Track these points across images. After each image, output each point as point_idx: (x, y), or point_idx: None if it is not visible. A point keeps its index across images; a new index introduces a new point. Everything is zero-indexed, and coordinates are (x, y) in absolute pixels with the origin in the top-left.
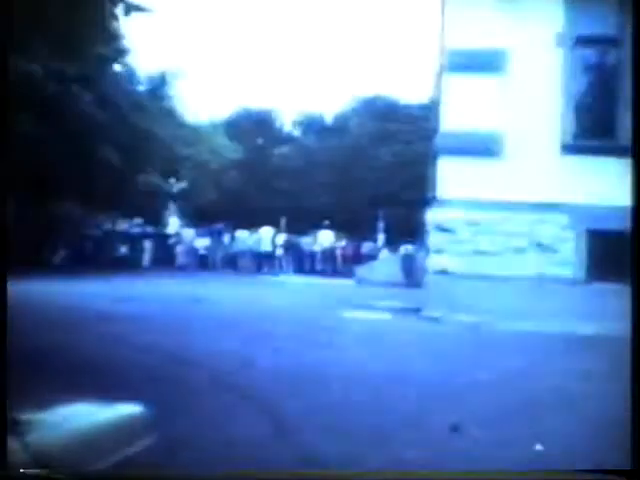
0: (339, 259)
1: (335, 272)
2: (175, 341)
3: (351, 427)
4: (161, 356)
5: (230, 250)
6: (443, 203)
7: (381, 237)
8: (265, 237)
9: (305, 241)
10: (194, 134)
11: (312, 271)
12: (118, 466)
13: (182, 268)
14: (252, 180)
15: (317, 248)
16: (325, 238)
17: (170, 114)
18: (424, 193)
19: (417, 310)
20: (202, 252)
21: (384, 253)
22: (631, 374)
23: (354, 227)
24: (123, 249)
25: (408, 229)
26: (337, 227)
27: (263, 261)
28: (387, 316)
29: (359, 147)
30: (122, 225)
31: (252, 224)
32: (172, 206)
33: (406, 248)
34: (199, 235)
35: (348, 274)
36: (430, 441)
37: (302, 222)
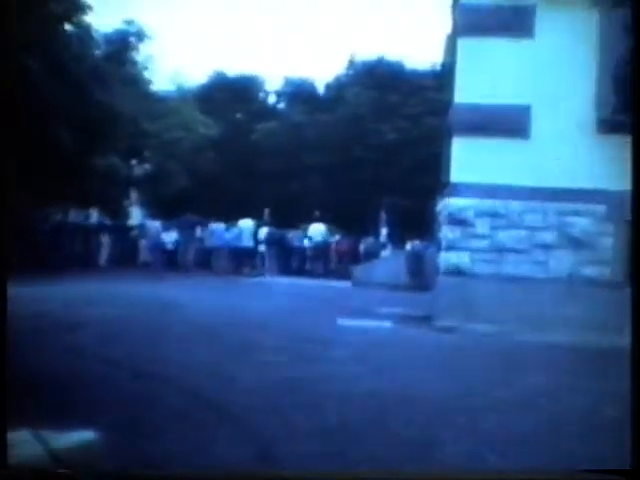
0: (333, 257)
1: (328, 272)
2: (138, 354)
3: (347, 456)
4: (125, 371)
5: (204, 246)
6: (457, 190)
7: (383, 231)
8: (245, 230)
9: (293, 235)
10: (161, 107)
11: (301, 271)
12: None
13: (146, 267)
14: (230, 162)
15: (307, 244)
16: (316, 232)
17: (132, 83)
18: (434, 178)
19: (425, 318)
20: (170, 248)
21: (387, 250)
22: (631, 374)
23: (351, 219)
24: (76, 245)
25: (415, 221)
26: (330, 219)
27: (243, 259)
28: (390, 325)
29: (357, 123)
30: (74, 217)
31: (230, 215)
32: (134, 193)
33: (413, 244)
34: (166, 228)
35: (343, 275)
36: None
37: (289, 213)
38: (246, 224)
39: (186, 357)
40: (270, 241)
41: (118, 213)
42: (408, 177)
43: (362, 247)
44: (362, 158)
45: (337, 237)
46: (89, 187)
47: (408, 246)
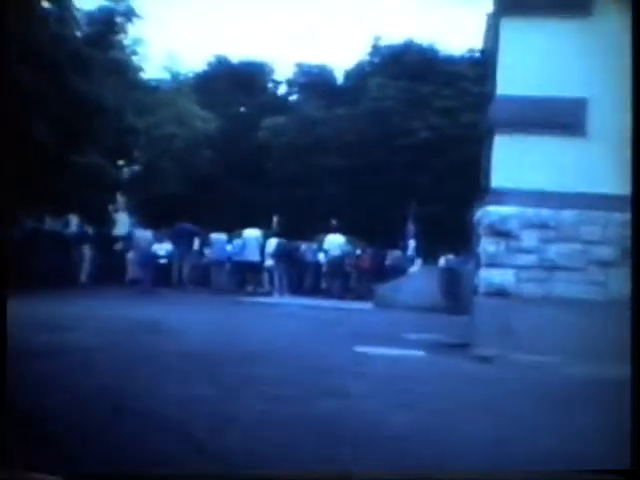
0: (353, 273)
1: (347, 291)
2: (126, 386)
3: None
4: (107, 406)
5: (202, 260)
6: (499, 197)
7: (411, 243)
8: (250, 242)
9: (305, 248)
10: (152, 98)
11: (315, 290)
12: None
13: (134, 284)
14: (232, 163)
15: (322, 258)
16: (333, 244)
17: (119, 70)
18: (472, 183)
19: (461, 346)
20: (162, 262)
21: (415, 266)
22: (631, 374)
23: (374, 229)
24: (52, 258)
25: (449, 233)
26: (350, 229)
27: (247, 275)
28: (419, 354)
29: (382, 119)
30: (50, 224)
31: (232, 224)
32: (121, 198)
33: (447, 259)
34: (158, 239)
35: (365, 294)
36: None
37: (301, 222)
38: (251, 235)
39: (177, 391)
40: (279, 255)
41: (102, 220)
42: (441, 181)
43: (387, 262)
44: (387, 160)
45: (358, 250)
46: (68, 190)
47: (441, 261)
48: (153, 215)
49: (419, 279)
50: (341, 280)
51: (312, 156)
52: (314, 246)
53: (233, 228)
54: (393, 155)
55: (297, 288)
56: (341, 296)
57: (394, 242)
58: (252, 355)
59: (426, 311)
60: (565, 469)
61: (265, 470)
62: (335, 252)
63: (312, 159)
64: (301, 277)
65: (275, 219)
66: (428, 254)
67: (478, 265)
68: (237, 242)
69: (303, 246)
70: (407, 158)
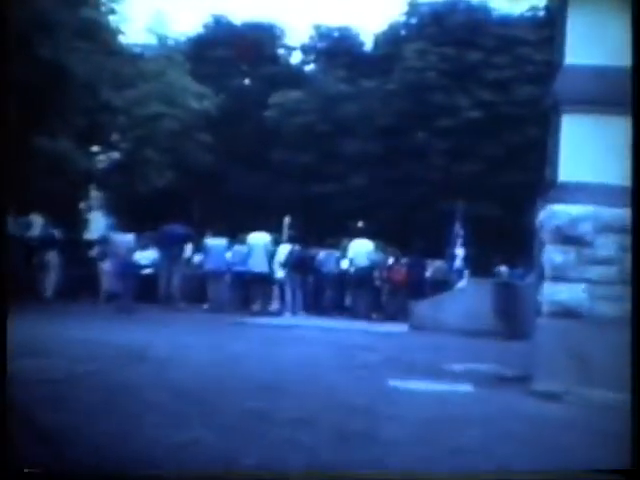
0: (384, 288)
1: (377, 310)
2: (103, 428)
3: None
4: (79, 455)
5: (195, 270)
6: (568, 193)
7: (459, 251)
8: (256, 249)
9: (325, 257)
10: (134, 69)
11: (337, 308)
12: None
13: (112, 300)
14: (234, 150)
15: (346, 269)
16: (360, 252)
17: (92, 33)
18: (534, 175)
19: (520, 379)
20: (147, 273)
21: (463, 279)
22: (631, 375)
23: (410, 233)
24: (10, 267)
25: (506, 238)
26: (381, 232)
27: (253, 290)
28: (467, 389)
29: (420, 94)
30: (10, 226)
31: (234, 226)
32: (95, 193)
33: (502, 271)
34: (142, 244)
35: (399, 314)
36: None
37: (320, 224)
38: (258, 240)
39: (165, 434)
40: (292, 265)
41: (72, 221)
42: (494, 173)
43: (427, 274)
44: (427, 146)
45: (390, 259)
46: (30, 183)
47: (496, 274)
48: (135, 215)
49: (468, 296)
50: (369, 296)
51: (333, 141)
52: (336, 254)
53: (235, 231)
54: (434, 140)
55: (314, 306)
56: (369, 316)
57: (436, 249)
58: (258, 391)
59: (476, 335)
60: (565, 469)
61: (265, 470)
62: (362, 262)
63: (333, 145)
64: (319, 293)
65: (287, 220)
66: (479, 265)
67: (541, 279)
68: (240, 249)
69: (322, 254)
70: (451, 143)
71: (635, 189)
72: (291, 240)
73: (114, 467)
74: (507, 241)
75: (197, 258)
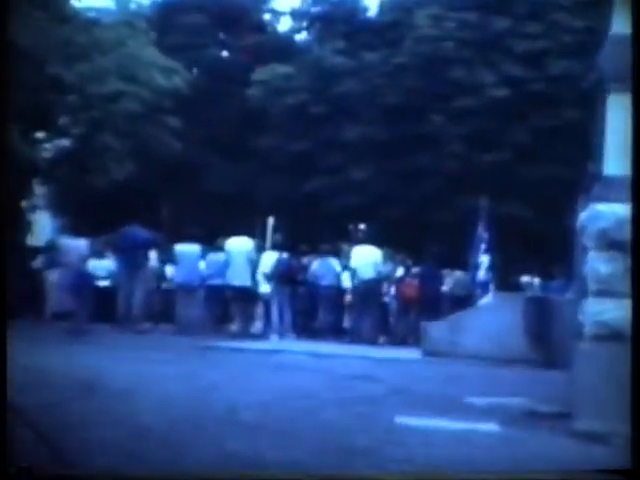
0: (392, 305)
1: (383, 332)
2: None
3: None
4: None
5: (162, 283)
6: (615, 191)
7: (483, 260)
8: (236, 257)
9: (320, 267)
10: (89, 38)
11: (334, 330)
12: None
13: (61, 319)
14: (208, 137)
15: (346, 282)
16: (364, 260)
17: None
18: (574, 168)
19: (558, 417)
20: (104, 286)
21: (488, 293)
22: (631, 375)
23: (424, 238)
24: None
25: (540, 244)
26: (388, 238)
27: (232, 307)
28: (492, 428)
29: (434, 68)
30: None
31: (209, 229)
32: (40, 190)
33: (535, 284)
34: (98, 251)
35: (410, 337)
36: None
37: (313, 226)
38: (238, 246)
39: None
40: (280, 276)
41: (12, 224)
42: (526, 165)
43: (444, 288)
44: (444, 131)
45: (399, 270)
46: None
47: (527, 287)
48: (89, 215)
49: (493, 314)
50: (374, 316)
51: (329, 126)
52: (333, 264)
53: (210, 236)
54: (451, 124)
55: (306, 327)
56: (374, 340)
57: (454, 257)
58: (238, 430)
59: (503, 363)
60: (565, 469)
61: (265, 470)
62: (366, 273)
63: (329, 131)
64: (313, 311)
65: (273, 222)
66: (507, 276)
67: (583, 293)
68: (216, 257)
69: (316, 263)
70: (472, 128)
71: (635, 188)
72: (278, 246)
73: None
74: (541, 247)
75: (165, 268)
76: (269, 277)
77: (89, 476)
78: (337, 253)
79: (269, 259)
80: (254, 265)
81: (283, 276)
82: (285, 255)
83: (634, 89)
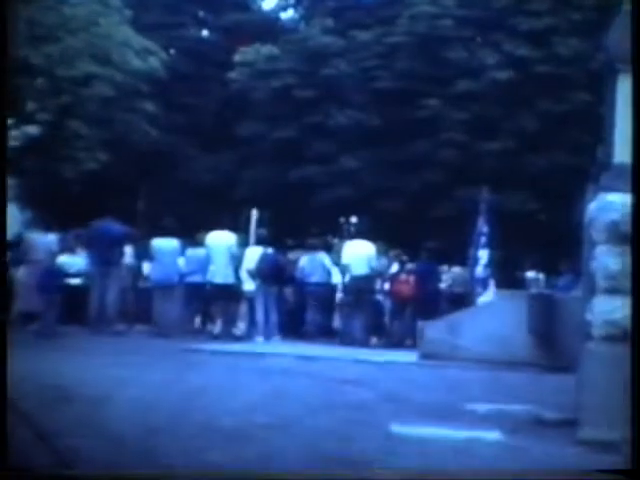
0: (386, 304)
1: (376, 334)
2: None
3: None
4: None
5: (138, 281)
6: (627, 180)
7: (483, 254)
8: (217, 253)
9: (308, 263)
10: (57, 16)
11: (324, 331)
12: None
13: (28, 320)
14: (188, 123)
15: (336, 279)
16: (356, 257)
17: None
18: (581, 155)
19: (564, 424)
20: (75, 284)
21: (488, 290)
22: (631, 375)
23: (419, 232)
24: None
25: (544, 237)
26: (382, 232)
27: (214, 307)
28: (493, 436)
29: (431, 48)
30: None
31: (189, 223)
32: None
33: (539, 280)
34: (69, 247)
35: (406, 338)
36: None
37: (301, 219)
38: (220, 241)
39: None
40: (266, 274)
41: None
42: (530, 153)
43: (443, 285)
44: (441, 117)
45: (394, 266)
46: None
47: (531, 283)
48: (59, 208)
49: (495, 313)
50: (367, 316)
51: (318, 111)
52: (322, 259)
53: (190, 230)
54: (451, 109)
55: (294, 328)
56: (367, 342)
57: (453, 252)
58: (220, 439)
59: (505, 365)
60: (565, 469)
61: (265, 470)
62: (358, 269)
63: (317, 116)
64: (300, 310)
65: (256, 215)
66: (509, 272)
67: (591, 290)
68: (196, 253)
69: (304, 260)
70: (473, 114)
71: (635, 188)
72: (263, 241)
73: None
74: (547, 241)
75: (141, 265)
76: (253, 274)
77: (89, 476)
78: (327, 248)
79: (253, 255)
80: (237, 261)
81: (268, 273)
82: (270, 250)
83: (634, 96)
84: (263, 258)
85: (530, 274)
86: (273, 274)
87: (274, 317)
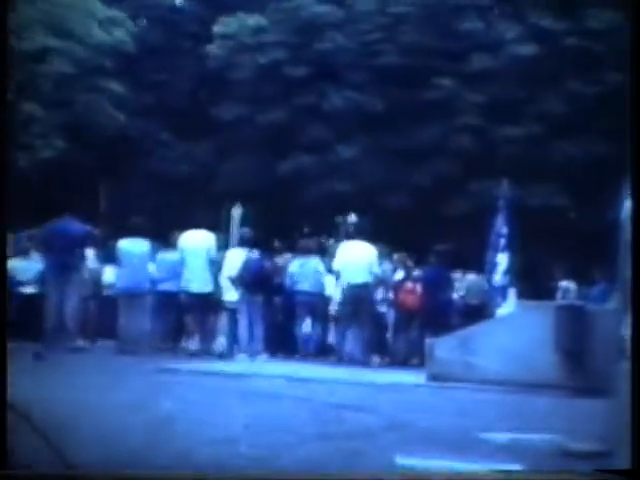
0: (389, 316)
1: (378, 351)
2: None
3: None
4: None
5: (102, 289)
6: None
7: (502, 259)
8: (195, 256)
9: (298, 268)
10: None
11: (317, 348)
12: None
13: None
14: (160, 105)
15: (332, 287)
16: (354, 261)
17: None
18: (617, 146)
19: (598, 456)
20: (27, 292)
21: (508, 300)
22: (631, 375)
23: (428, 232)
24: None
25: (574, 239)
26: (383, 233)
27: (190, 319)
28: (515, 469)
29: (441, 20)
30: None
31: (161, 221)
32: None
33: (568, 289)
34: (20, 249)
35: (412, 357)
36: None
37: (290, 217)
38: (196, 243)
39: None
40: (250, 281)
41: None
42: (557, 140)
43: (455, 295)
44: (453, 98)
45: (399, 272)
46: None
47: (559, 293)
48: (10, 205)
49: (516, 327)
50: (367, 330)
51: (311, 91)
52: (315, 264)
53: (161, 229)
54: (465, 90)
55: (282, 344)
56: (367, 361)
57: (468, 256)
58: (200, 471)
59: (528, 388)
60: (565, 469)
61: (265, 470)
62: (357, 276)
63: (310, 97)
64: (290, 323)
65: (238, 212)
66: (532, 279)
67: (628, 301)
68: (169, 256)
69: (294, 265)
70: (491, 95)
71: (635, 188)
72: (247, 243)
73: None
74: (576, 243)
75: (104, 270)
76: (236, 281)
77: (89, 476)
78: (321, 251)
79: (236, 258)
80: (216, 266)
81: (253, 280)
82: (256, 253)
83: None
84: (247, 263)
85: (564, 283)
86: (259, 281)
87: (259, 331)
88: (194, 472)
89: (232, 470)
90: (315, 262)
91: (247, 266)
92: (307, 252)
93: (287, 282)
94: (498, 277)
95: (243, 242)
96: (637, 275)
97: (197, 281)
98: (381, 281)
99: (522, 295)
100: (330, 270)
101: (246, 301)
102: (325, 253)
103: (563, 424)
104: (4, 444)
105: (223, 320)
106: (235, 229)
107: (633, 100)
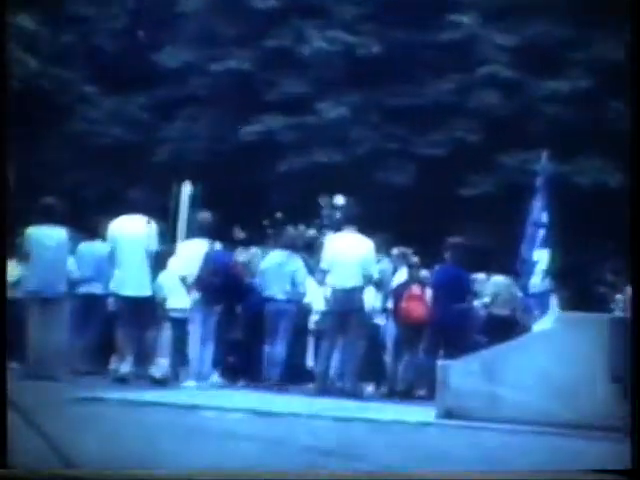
0: (387, 330)
1: (371, 378)
2: None
3: None
4: None
5: (5, 290)
6: None
7: (541, 256)
8: (129, 250)
9: (269, 267)
10: None
11: (291, 372)
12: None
13: None
14: (87, 48)
15: (313, 292)
16: (341, 257)
17: None
18: None
19: None
20: None
21: (550, 312)
22: (631, 375)
23: (439, 221)
24: None
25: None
26: (381, 221)
27: (124, 332)
28: None
29: None
30: None
31: (82, 203)
32: None
33: (628, 301)
34: None
35: (418, 386)
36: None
37: (256, 199)
38: (131, 231)
39: None
40: (210, 283)
41: None
42: (613, 98)
43: (478, 303)
44: (476, 40)
45: (402, 273)
46: None
47: (614, 303)
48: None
49: (556, 348)
50: (359, 348)
51: (285, 29)
52: (292, 263)
53: (84, 213)
54: (492, 27)
55: (245, 367)
56: (357, 391)
57: (494, 253)
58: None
59: (572, 429)
60: (565, 469)
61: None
62: (347, 278)
63: (284, 37)
64: (253, 340)
65: (188, 191)
66: (579, 284)
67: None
68: (94, 249)
69: (267, 262)
70: (526, 37)
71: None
72: (206, 232)
73: None
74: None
75: (10, 267)
76: (188, 284)
77: (89, 476)
78: (299, 245)
79: (189, 253)
80: (157, 262)
81: (218, 282)
82: (219, 247)
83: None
84: (209, 259)
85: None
86: (223, 284)
87: (213, 350)
88: (192, 472)
89: (232, 470)
90: (291, 259)
91: (208, 263)
92: (281, 246)
93: (254, 286)
94: (537, 280)
95: (202, 231)
96: (637, 275)
97: (131, 282)
98: (377, 284)
99: (566, 305)
100: (311, 270)
101: (202, 309)
102: (305, 248)
103: (618, 477)
104: (4, 444)
105: (166, 334)
106: (184, 213)
107: (633, 100)
